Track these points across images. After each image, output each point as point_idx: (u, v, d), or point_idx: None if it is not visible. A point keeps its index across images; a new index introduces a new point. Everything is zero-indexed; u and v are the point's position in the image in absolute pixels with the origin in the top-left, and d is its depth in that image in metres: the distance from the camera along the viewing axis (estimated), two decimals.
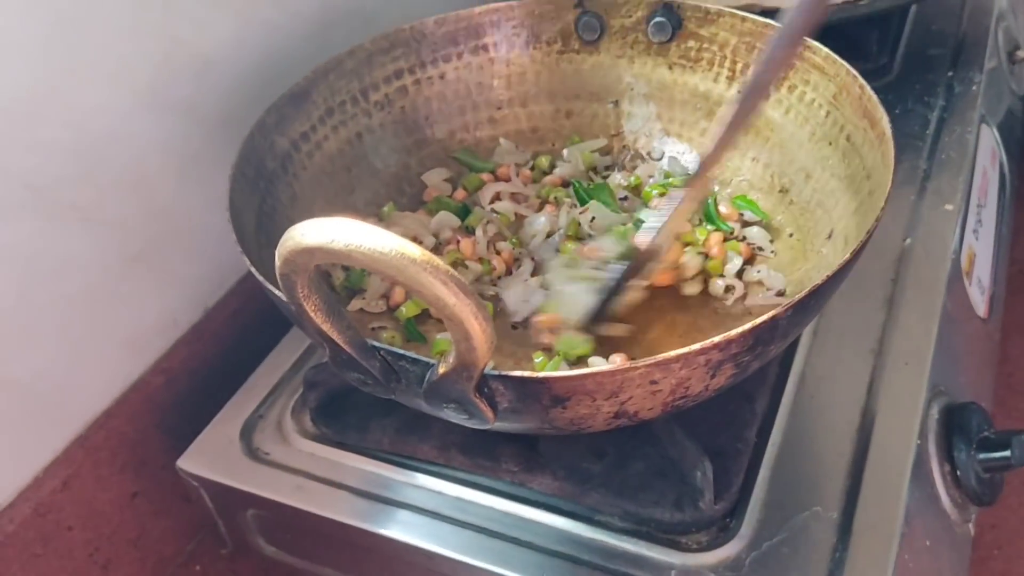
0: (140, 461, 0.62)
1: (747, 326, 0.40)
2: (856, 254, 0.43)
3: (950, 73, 0.82)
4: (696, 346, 0.39)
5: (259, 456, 0.56)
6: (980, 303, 0.67)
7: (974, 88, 0.80)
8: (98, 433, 0.59)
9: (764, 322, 0.40)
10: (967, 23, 0.89)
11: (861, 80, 0.54)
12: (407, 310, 0.57)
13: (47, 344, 0.55)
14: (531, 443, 0.53)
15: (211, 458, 0.56)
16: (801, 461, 0.52)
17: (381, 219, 0.63)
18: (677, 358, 0.39)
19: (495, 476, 0.53)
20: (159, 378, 0.62)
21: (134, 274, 0.59)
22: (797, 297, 0.41)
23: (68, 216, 0.53)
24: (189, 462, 0.56)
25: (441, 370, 0.38)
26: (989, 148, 0.78)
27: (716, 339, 0.39)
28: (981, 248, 0.69)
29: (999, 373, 0.74)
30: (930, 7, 0.91)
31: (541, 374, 0.39)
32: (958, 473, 0.54)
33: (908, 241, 0.65)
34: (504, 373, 0.39)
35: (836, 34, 0.81)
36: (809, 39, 0.57)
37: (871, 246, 0.64)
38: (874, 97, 0.52)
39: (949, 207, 0.67)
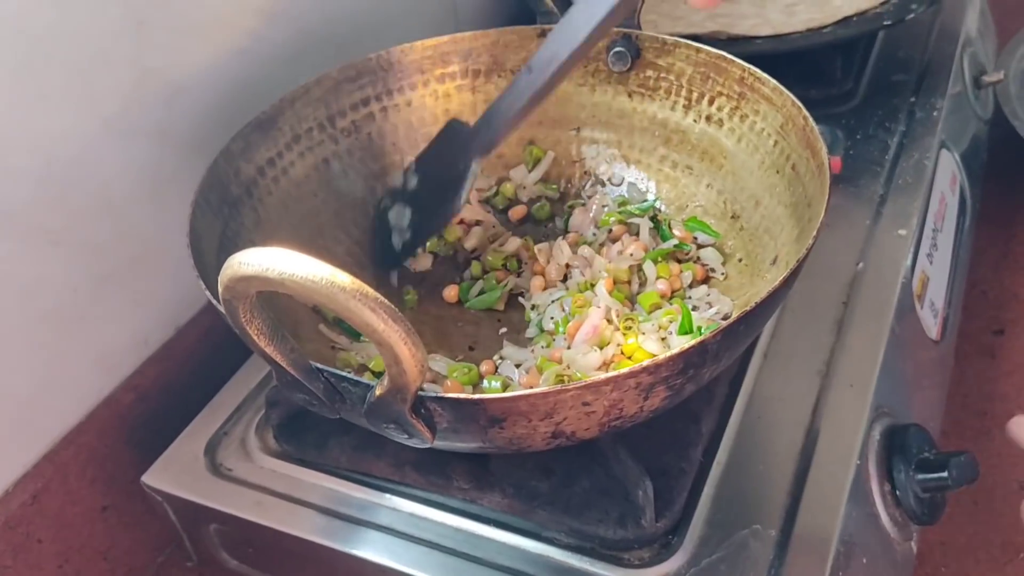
0: (110, 475, 0.63)
1: (675, 351, 0.42)
2: (786, 282, 0.45)
3: (913, 99, 0.84)
4: (625, 369, 0.41)
5: (222, 472, 0.58)
6: (932, 326, 0.69)
7: (935, 114, 0.81)
8: (68, 448, 0.60)
9: (693, 347, 0.42)
10: (933, 49, 0.91)
11: (804, 111, 0.55)
12: (374, 364, 0.59)
13: (18, 362, 0.56)
14: (483, 461, 0.54)
15: (175, 474, 0.58)
16: (745, 480, 0.54)
17: None
18: (607, 381, 0.41)
19: (447, 493, 0.54)
20: (129, 395, 0.64)
21: (105, 294, 0.61)
22: (726, 323, 0.43)
23: (38, 239, 0.55)
24: (154, 477, 0.58)
25: (378, 392, 0.40)
26: (949, 173, 0.79)
27: (645, 363, 0.41)
28: (935, 272, 0.71)
29: (954, 394, 0.76)
30: (898, 33, 0.93)
31: (475, 396, 0.41)
32: (898, 493, 0.55)
33: (860, 265, 0.67)
34: (440, 395, 0.41)
35: (801, 60, 0.84)
36: (756, 71, 0.59)
37: (825, 269, 0.67)
38: (816, 128, 0.54)
39: (902, 232, 0.69)
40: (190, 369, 0.67)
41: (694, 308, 0.59)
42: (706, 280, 0.63)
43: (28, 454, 0.59)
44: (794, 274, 0.46)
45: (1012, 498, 0.69)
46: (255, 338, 0.39)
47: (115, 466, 0.63)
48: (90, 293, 0.60)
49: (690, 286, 0.62)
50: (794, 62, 0.83)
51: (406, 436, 0.42)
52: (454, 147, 0.62)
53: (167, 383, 0.66)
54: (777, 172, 0.58)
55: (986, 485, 0.70)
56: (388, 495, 0.56)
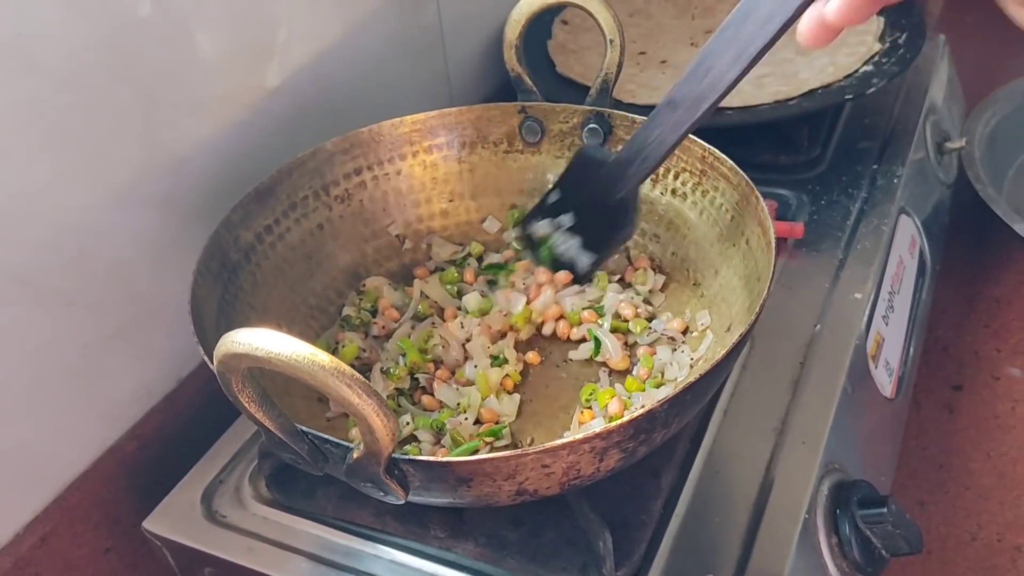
0: (113, 519, 0.67)
1: (626, 418, 0.46)
2: (729, 355, 0.49)
3: (875, 166, 0.89)
4: (580, 435, 0.46)
5: (217, 519, 0.62)
6: (887, 384, 0.73)
7: (895, 180, 0.86)
8: (75, 494, 0.65)
9: (642, 415, 0.46)
10: (897, 118, 0.96)
11: (756, 191, 0.60)
12: None
13: (31, 414, 0.61)
14: (458, 512, 0.59)
15: (173, 520, 0.63)
16: (701, 531, 0.58)
17: None
18: (564, 446, 0.46)
19: (425, 542, 0.59)
20: (133, 444, 0.68)
21: (112, 350, 0.66)
22: (672, 393, 0.47)
23: (52, 301, 0.60)
24: (153, 523, 0.62)
25: (355, 455, 0.44)
26: (908, 237, 0.84)
27: (598, 429, 0.46)
28: (891, 333, 0.76)
29: (913, 447, 0.80)
30: (866, 102, 0.98)
31: (444, 459, 0.46)
32: (843, 545, 0.59)
33: (818, 327, 0.71)
34: (412, 458, 0.45)
35: (771, 128, 0.89)
36: (715, 151, 0.64)
37: (784, 331, 0.71)
38: (766, 208, 0.59)
39: (858, 295, 0.74)
40: (190, 419, 0.72)
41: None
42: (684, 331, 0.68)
43: (38, 499, 0.63)
44: (737, 347, 0.50)
45: (965, 549, 0.74)
46: (246, 405, 0.44)
47: (118, 511, 0.68)
48: (99, 349, 0.65)
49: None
50: (765, 130, 0.89)
51: (382, 494, 0.47)
52: (600, 176, 0.66)
53: (168, 432, 0.70)
54: (733, 245, 0.63)
55: (940, 535, 0.74)
56: (371, 542, 0.60)
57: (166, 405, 0.71)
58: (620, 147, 0.67)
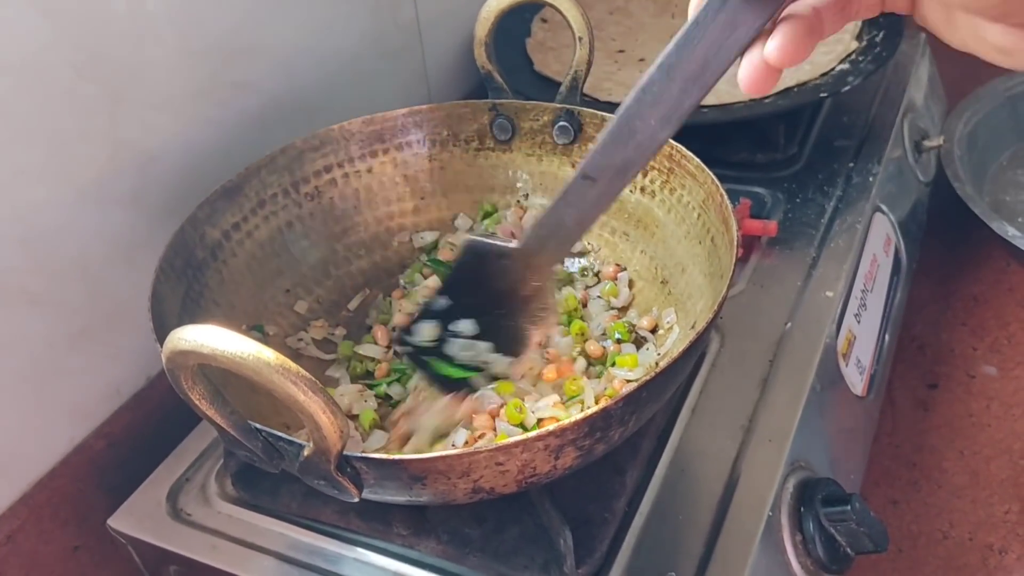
0: (82, 517, 0.67)
1: (579, 416, 0.46)
2: (686, 353, 0.49)
3: (851, 164, 0.89)
4: (533, 433, 0.45)
5: (182, 517, 0.62)
6: (858, 383, 0.73)
7: (870, 179, 0.86)
8: (42, 492, 0.64)
9: (596, 413, 0.46)
10: (875, 115, 0.96)
11: (721, 189, 0.60)
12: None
13: None
14: (420, 510, 0.59)
15: (138, 518, 0.62)
16: (665, 529, 0.58)
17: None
18: (517, 444, 0.46)
19: (387, 539, 0.59)
20: (101, 442, 0.68)
21: (80, 349, 0.65)
22: (628, 391, 0.47)
23: (17, 300, 0.60)
24: (119, 521, 0.62)
25: (305, 453, 0.44)
26: (883, 235, 0.84)
27: (551, 427, 0.46)
28: (863, 331, 0.76)
29: (887, 445, 0.80)
30: (844, 99, 0.98)
31: (395, 456, 0.45)
32: (807, 543, 0.59)
33: (789, 325, 0.71)
34: (364, 455, 0.45)
35: (747, 127, 0.89)
36: (682, 148, 0.64)
37: (755, 329, 0.71)
38: (730, 206, 0.58)
39: (829, 294, 0.74)
40: (160, 417, 0.72)
41: None
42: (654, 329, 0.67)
43: (3, 497, 0.63)
44: (695, 345, 0.50)
45: (936, 548, 0.73)
46: (197, 402, 0.44)
47: (87, 508, 0.68)
48: (66, 348, 0.65)
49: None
50: (741, 128, 0.88)
51: (336, 492, 0.47)
52: (500, 268, 0.55)
53: (137, 430, 0.70)
54: (699, 243, 0.63)
55: (911, 534, 0.74)
56: (335, 540, 0.60)
57: (135, 403, 0.71)
58: (526, 230, 0.54)
